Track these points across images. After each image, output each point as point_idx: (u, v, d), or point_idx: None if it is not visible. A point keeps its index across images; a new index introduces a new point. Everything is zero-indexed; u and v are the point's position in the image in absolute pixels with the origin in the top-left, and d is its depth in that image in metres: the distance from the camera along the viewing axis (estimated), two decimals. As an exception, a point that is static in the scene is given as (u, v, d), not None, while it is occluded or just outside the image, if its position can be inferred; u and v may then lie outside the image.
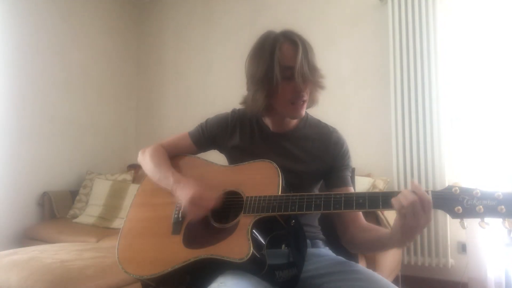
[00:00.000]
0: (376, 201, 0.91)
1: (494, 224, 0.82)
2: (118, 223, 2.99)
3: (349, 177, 1.22)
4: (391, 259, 2.35)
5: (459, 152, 2.63)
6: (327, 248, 1.21)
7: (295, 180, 1.13)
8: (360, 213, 1.16)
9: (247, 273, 0.96)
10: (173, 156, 1.30)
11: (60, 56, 3.52)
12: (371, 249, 1.09)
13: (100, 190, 3.28)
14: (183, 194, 1.09)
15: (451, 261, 2.57)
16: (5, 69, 3.14)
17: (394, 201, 0.87)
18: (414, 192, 0.86)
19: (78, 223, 3.10)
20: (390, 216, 2.16)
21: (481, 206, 0.81)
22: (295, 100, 1.12)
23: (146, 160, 1.28)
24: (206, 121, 1.32)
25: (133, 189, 3.16)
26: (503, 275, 2.37)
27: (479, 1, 2.60)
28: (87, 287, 1.56)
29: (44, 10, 3.42)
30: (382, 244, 1.03)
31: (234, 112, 1.30)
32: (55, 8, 3.50)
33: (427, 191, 0.86)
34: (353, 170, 1.27)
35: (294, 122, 1.23)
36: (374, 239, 1.06)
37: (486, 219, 0.81)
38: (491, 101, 2.54)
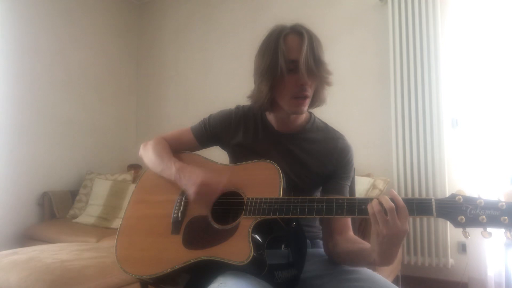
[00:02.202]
0: None
1: (496, 233, 0.81)
2: (118, 223, 2.94)
3: (347, 187, 1.19)
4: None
5: (459, 152, 2.63)
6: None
7: (296, 183, 1.12)
8: (349, 225, 1.14)
9: (247, 274, 0.95)
10: (173, 151, 1.27)
11: (60, 56, 3.52)
12: (352, 261, 1.06)
13: (100, 190, 3.28)
14: (191, 181, 1.07)
15: (451, 261, 2.57)
16: (5, 69, 3.14)
17: (368, 207, 0.87)
18: (391, 199, 0.86)
19: (78, 223, 3.11)
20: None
21: (484, 216, 0.79)
22: (298, 94, 1.07)
23: (148, 153, 1.26)
24: (209, 117, 1.29)
25: (133, 189, 3.15)
26: (503, 275, 2.37)
27: (480, 1, 2.60)
28: (87, 287, 1.56)
29: (44, 10, 3.42)
30: (362, 257, 1.00)
31: (238, 108, 1.27)
32: (55, 8, 3.50)
33: (431, 199, 0.85)
34: (353, 170, 1.24)
35: (299, 123, 1.20)
36: (356, 250, 1.03)
37: (489, 229, 0.80)
38: (491, 102, 2.54)
